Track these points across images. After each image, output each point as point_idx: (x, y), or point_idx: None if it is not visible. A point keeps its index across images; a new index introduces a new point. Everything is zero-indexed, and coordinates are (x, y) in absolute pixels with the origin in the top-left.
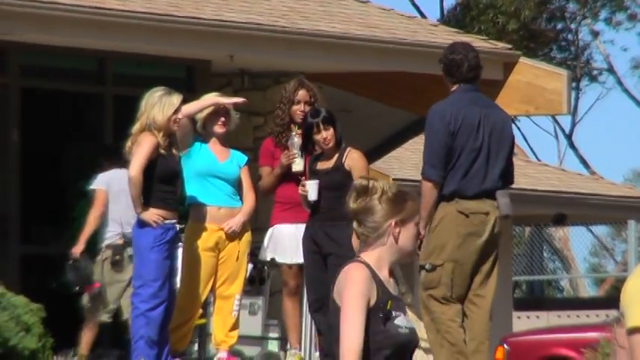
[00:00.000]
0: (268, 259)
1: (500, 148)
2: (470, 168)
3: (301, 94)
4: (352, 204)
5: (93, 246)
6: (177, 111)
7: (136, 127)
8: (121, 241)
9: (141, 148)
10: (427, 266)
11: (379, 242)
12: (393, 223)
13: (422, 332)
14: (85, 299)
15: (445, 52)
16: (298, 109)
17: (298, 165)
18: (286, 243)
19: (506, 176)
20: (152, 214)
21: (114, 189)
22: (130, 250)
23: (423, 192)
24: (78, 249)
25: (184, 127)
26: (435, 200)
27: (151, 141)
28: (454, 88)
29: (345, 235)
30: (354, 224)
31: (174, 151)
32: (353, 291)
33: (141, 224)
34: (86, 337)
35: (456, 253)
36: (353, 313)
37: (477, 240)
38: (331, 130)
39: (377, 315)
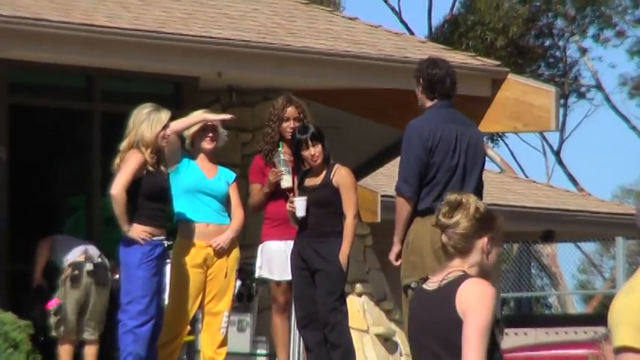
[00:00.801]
0: (257, 276)
1: (474, 166)
2: (446, 185)
3: (290, 111)
4: (444, 218)
5: (56, 269)
6: (165, 127)
7: (124, 144)
8: (82, 258)
9: (126, 166)
10: (413, 284)
11: (472, 258)
12: (486, 240)
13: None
14: (50, 318)
15: (424, 66)
16: (288, 127)
17: (286, 182)
18: (275, 259)
19: (479, 193)
20: (139, 231)
21: None
22: (89, 266)
23: (397, 207)
24: (37, 280)
25: (172, 143)
26: (408, 215)
27: (137, 158)
28: (430, 103)
29: (333, 251)
30: (443, 238)
31: (162, 167)
32: (490, 307)
33: (128, 241)
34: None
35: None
36: (488, 331)
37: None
38: (319, 147)
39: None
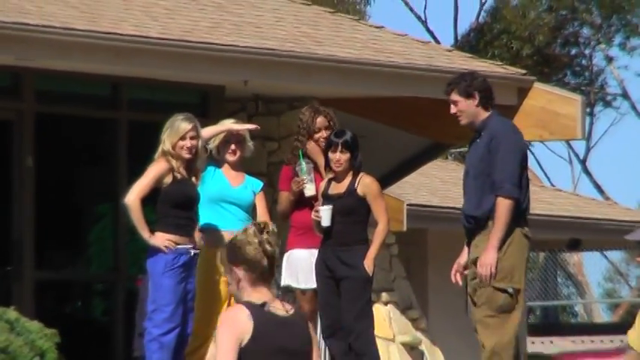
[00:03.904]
0: (283, 284)
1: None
2: (527, 193)
3: (319, 121)
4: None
5: None
6: (184, 138)
7: (157, 152)
8: None
9: (145, 175)
10: (510, 289)
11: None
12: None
13: (439, 358)
14: None
15: (470, 79)
16: (320, 137)
17: (310, 190)
18: (300, 268)
19: None
20: (162, 239)
21: None
22: None
23: (506, 210)
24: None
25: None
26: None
27: (159, 167)
28: (487, 114)
29: (358, 259)
30: None
31: (193, 178)
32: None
33: (153, 250)
34: None
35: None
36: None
37: (527, 263)
38: (347, 155)
39: None
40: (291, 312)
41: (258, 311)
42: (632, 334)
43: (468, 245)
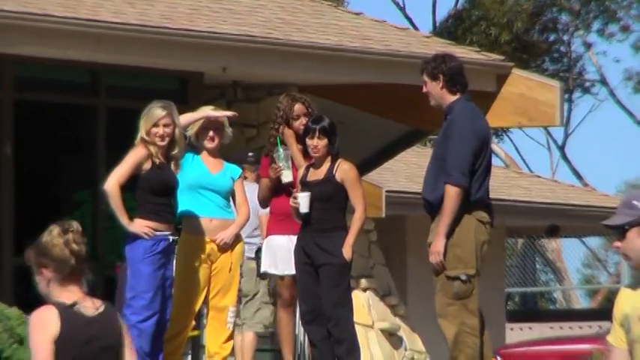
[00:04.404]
0: (262, 271)
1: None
2: (485, 179)
3: (297, 108)
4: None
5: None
6: (157, 125)
7: (137, 138)
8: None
9: (124, 161)
10: (463, 276)
11: None
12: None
13: (418, 345)
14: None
15: (440, 62)
16: (300, 124)
17: (287, 177)
18: (279, 254)
19: None
20: (141, 226)
21: None
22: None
23: (451, 198)
24: None
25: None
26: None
27: (138, 153)
28: (454, 98)
29: (337, 246)
30: None
31: (172, 165)
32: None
33: (131, 237)
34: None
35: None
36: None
37: (485, 247)
38: (325, 141)
39: None
40: (101, 309)
41: (66, 311)
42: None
43: None
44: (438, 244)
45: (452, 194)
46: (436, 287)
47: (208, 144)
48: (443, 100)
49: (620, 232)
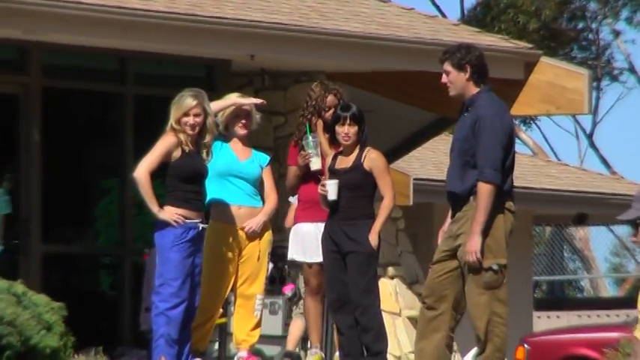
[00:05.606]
0: (289, 258)
1: None
2: (511, 171)
3: (330, 100)
4: None
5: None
6: (187, 114)
7: (167, 126)
8: None
9: (153, 149)
10: (495, 266)
11: None
12: None
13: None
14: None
15: (465, 52)
16: (330, 116)
17: (315, 164)
18: (306, 242)
19: None
20: (171, 213)
21: None
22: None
23: (487, 196)
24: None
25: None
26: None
27: (168, 141)
28: (477, 90)
29: (364, 234)
30: None
31: (204, 153)
32: None
33: (161, 224)
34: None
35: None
36: None
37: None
38: (355, 128)
39: None
40: None
41: None
42: None
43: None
44: (474, 243)
45: (485, 192)
46: (467, 277)
47: (240, 131)
48: (466, 90)
49: (634, 225)
